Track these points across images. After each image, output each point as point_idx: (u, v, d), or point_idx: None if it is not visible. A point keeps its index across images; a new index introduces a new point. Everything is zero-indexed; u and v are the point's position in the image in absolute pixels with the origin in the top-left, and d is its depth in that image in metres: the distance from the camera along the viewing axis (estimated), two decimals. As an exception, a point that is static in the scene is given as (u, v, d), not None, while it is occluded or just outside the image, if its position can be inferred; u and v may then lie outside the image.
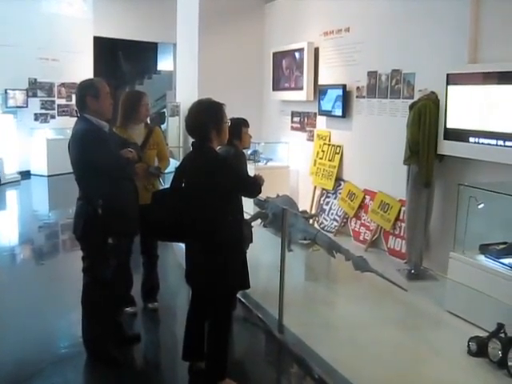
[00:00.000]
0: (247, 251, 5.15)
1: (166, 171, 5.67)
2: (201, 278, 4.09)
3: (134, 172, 4.66)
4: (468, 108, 5.86)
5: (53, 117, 14.89)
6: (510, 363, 4.25)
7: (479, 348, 4.52)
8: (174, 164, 5.52)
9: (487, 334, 4.55)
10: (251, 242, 5.54)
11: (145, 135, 5.43)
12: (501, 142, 5.48)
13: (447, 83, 6.05)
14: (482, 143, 5.69)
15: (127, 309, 5.45)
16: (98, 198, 4.28)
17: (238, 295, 5.61)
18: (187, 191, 4.05)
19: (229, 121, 4.24)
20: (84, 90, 4.42)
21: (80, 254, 4.56)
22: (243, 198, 4.51)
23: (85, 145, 4.25)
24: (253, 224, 6.37)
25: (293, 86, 9.70)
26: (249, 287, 4.72)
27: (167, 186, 4.47)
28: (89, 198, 4.34)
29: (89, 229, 4.34)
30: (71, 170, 4.44)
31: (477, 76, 5.77)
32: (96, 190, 4.32)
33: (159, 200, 4.18)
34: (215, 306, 4.11)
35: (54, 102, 14.90)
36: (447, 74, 6.05)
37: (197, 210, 3.94)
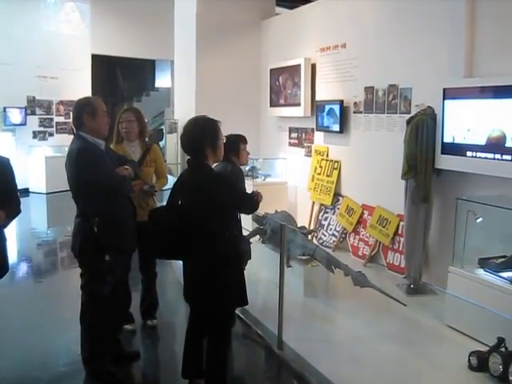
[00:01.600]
0: (246, 268, 5.14)
1: (164, 188, 5.67)
2: (199, 296, 4.08)
3: (131, 189, 4.66)
4: (465, 122, 5.88)
5: (51, 134, 14.91)
6: (511, 377, 4.23)
7: (480, 362, 4.51)
8: (172, 181, 5.53)
9: (488, 348, 4.54)
10: (250, 258, 5.53)
11: (142, 152, 5.43)
12: (498, 156, 5.49)
13: (444, 98, 6.07)
14: (479, 157, 5.70)
15: (126, 326, 5.43)
16: (95, 216, 4.29)
17: (237, 311, 5.59)
18: (184, 208, 4.04)
19: (224, 138, 4.26)
20: (81, 108, 4.43)
21: (78, 270, 4.56)
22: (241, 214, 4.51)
23: (81, 163, 4.26)
24: (251, 240, 6.37)
25: (290, 102, 9.74)
26: (247, 304, 4.71)
27: (163, 203, 4.47)
28: (86, 216, 4.34)
29: (86, 246, 4.34)
30: (69, 188, 4.44)
31: (473, 90, 5.80)
32: (92, 207, 4.33)
33: (156, 217, 4.18)
34: (214, 323, 4.10)
35: (52, 119, 14.94)
36: (444, 89, 6.07)
37: (193, 227, 3.93)
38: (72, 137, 4.55)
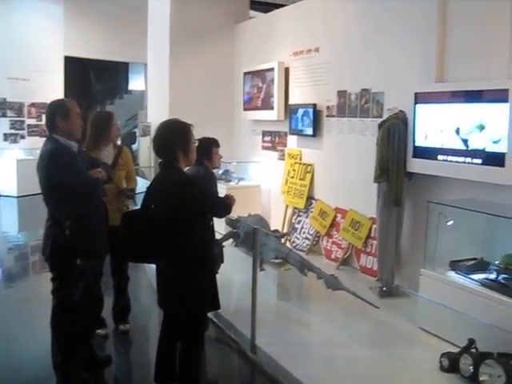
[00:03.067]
0: (219, 271, 5.14)
1: (138, 191, 5.65)
2: (171, 300, 4.08)
3: (104, 193, 4.63)
4: (436, 126, 5.94)
5: (23, 137, 14.73)
6: (481, 378, 4.29)
7: (451, 364, 4.56)
8: (145, 184, 5.50)
9: (459, 349, 4.60)
10: (222, 262, 5.52)
11: (114, 156, 5.41)
12: (468, 160, 5.56)
13: (415, 102, 6.13)
14: (450, 161, 5.77)
15: (98, 331, 5.39)
16: (66, 219, 4.25)
17: (210, 315, 5.58)
18: (156, 212, 4.02)
19: (196, 141, 4.26)
20: (54, 110, 4.40)
21: (50, 275, 4.51)
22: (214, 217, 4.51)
23: (52, 165, 4.22)
24: (224, 244, 6.36)
25: (263, 105, 9.75)
26: (219, 308, 4.70)
27: (138, 206, 4.45)
28: (56, 219, 4.30)
29: (56, 250, 4.30)
30: (41, 191, 4.40)
31: (444, 95, 5.86)
32: (63, 210, 4.29)
33: (129, 221, 4.16)
34: (186, 327, 4.09)
35: (23, 122, 14.76)
36: (415, 93, 6.14)
37: (166, 231, 3.92)
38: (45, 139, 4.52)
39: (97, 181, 4.46)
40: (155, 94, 11.90)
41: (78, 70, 16.82)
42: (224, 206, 4.24)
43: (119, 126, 5.56)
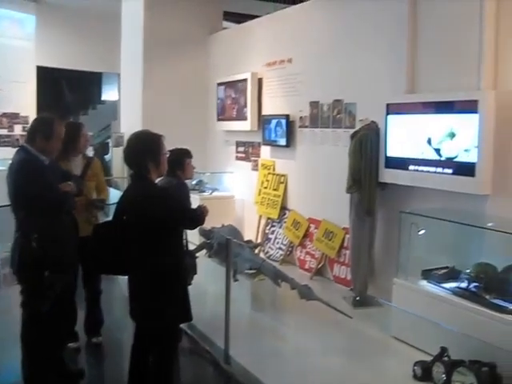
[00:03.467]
0: (192, 282, 5.12)
1: (110, 202, 5.61)
2: (142, 312, 4.05)
3: (73, 206, 4.59)
4: (407, 136, 6.00)
5: (-7, 148, 14.55)
6: (453, 386, 4.32)
7: (424, 372, 4.59)
8: (118, 195, 5.47)
9: (431, 358, 4.63)
10: (195, 273, 5.50)
11: (83, 167, 5.36)
12: (439, 170, 5.62)
13: (387, 113, 6.20)
14: (422, 171, 5.83)
15: (70, 344, 5.32)
16: (33, 231, 4.20)
17: (184, 327, 5.54)
18: (128, 223, 4.00)
19: (168, 152, 4.25)
20: (37, 127, 4.38)
21: (19, 288, 4.45)
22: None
23: (22, 176, 4.18)
24: (198, 254, 6.34)
25: (237, 116, 9.76)
26: (191, 319, 4.67)
27: (109, 218, 4.43)
28: (24, 231, 4.25)
29: (24, 262, 4.24)
30: (9, 202, 4.34)
31: (415, 105, 5.93)
32: (31, 222, 4.23)
33: (100, 233, 4.14)
34: (158, 340, 4.06)
35: (-6, 132, 14.58)
36: (387, 104, 6.20)
37: (137, 243, 3.91)
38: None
39: (66, 194, 4.41)
40: (128, 105, 11.84)
41: (50, 80, 16.68)
42: (196, 217, 4.22)
43: (88, 136, 5.52)
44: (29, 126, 4.51)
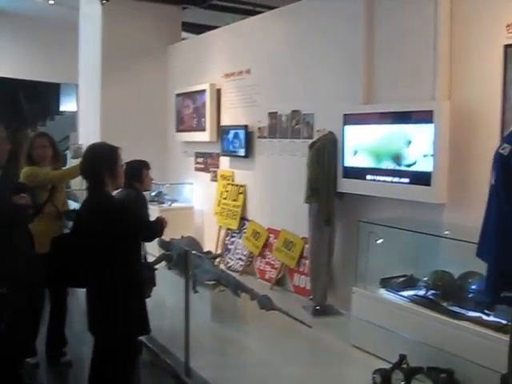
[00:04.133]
0: (151, 295, 5.08)
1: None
2: (99, 324, 4.00)
3: (30, 219, 4.51)
4: (364, 146, 6.07)
5: None
6: (412, 394, 4.36)
7: (383, 380, 4.61)
8: (77, 207, 5.41)
9: (391, 365, 4.66)
10: (154, 285, 5.47)
11: None
12: (396, 179, 5.70)
13: (344, 123, 6.26)
14: (379, 180, 5.90)
15: (28, 360, 5.23)
16: None
17: (144, 340, 5.48)
18: (84, 235, 3.96)
19: (124, 164, 4.23)
20: None
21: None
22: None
23: None
24: (157, 266, 6.30)
25: (196, 126, 9.75)
26: (149, 332, 4.61)
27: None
28: None
29: None
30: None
31: (371, 116, 6.01)
32: None
33: (58, 245, 4.10)
34: (116, 353, 4.01)
35: None
36: (344, 115, 6.26)
37: (93, 256, 3.88)
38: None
39: (21, 207, 4.32)
40: (87, 116, 11.73)
41: (6, 91, 16.44)
42: (153, 229, 4.20)
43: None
44: None
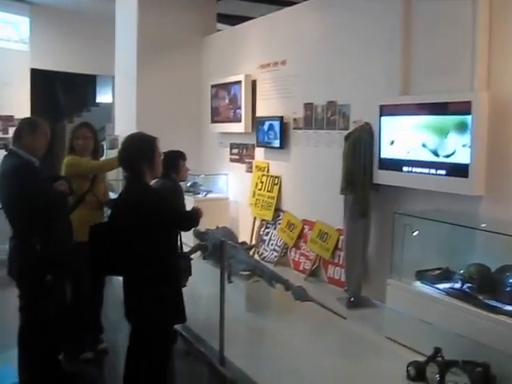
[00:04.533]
0: (187, 284, 5.12)
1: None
2: (136, 313, 4.06)
3: (68, 205, 4.59)
4: (401, 138, 6.02)
5: (-13, 150, 14.49)
6: (447, 386, 4.34)
7: (418, 372, 4.60)
8: (113, 197, 5.47)
9: (425, 358, 4.64)
10: (190, 274, 5.50)
11: None
12: (433, 171, 5.65)
13: (380, 114, 6.22)
14: (415, 172, 5.85)
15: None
16: (35, 235, 4.20)
17: (179, 329, 5.55)
18: (121, 225, 4.00)
19: (162, 154, 4.25)
20: (23, 124, 4.42)
21: (16, 292, 4.45)
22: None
23: (17, 181, 4.18)
24: (192, 256, 6.35)
25: (231, 117, 9.77)
26: (185, 321, 4.65)
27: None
28: (24, 236, 4.25)
29: (27, 268, 4.24)
30: (3, 208, 4.33)
31: (408, 107, 5.95)
32: (32, 226, 4.23)
33: (96, 233, 4.15)
34: (152, 341, 4.07)
35: (-12, 135, 14.52)
36: (380, 106, 6.22)
37: (130, 245, 3.92)
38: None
39: (63, 193, 4.42)
40: (122, 107, 11.84)
41: (44, 83, 16.64)
42: (189, 219, 4.24)
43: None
44: (15, 128, 4.51)
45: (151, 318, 3.99)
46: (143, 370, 4.11)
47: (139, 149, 4.01)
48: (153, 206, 3.92)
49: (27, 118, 4.53)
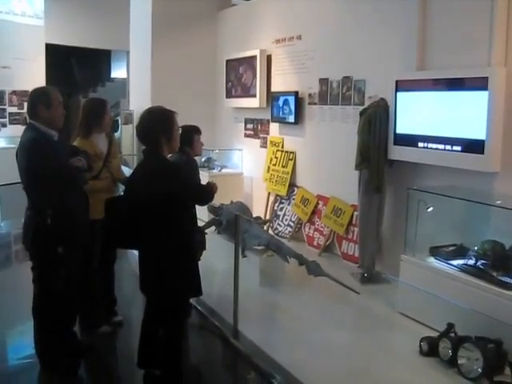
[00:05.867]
0: (201, 258, 5.16)
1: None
2: (152, 286, 4.10)
3: (84, 181, 4.61)
4: (416, 113, 5.99)
5: (4, 125, 14.57)
6: (459, 362, 4.36)
7: (430, 348, 4.63)
8: (128, 172, 5.47)
9: (438, 333, 4.67)
10: (204, 249, 5.55)
11: (108, 145, 5.26)
12: (448, 147, 5.62)
13: (396, 90, 6.17)
14: (431, 148, 5.82)
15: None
16: (47, 208, 4.23)
17: (193, 302, 5.60)
18: (138, 198, 4.01)
19: (180, 128, 4.25)
20: (36, 98, 4.37)
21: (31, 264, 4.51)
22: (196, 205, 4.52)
23: (33, 154, 4.20)
24: (207, 231, 6.39)
25: (246, 93, 9.76)
26: (201, 294, 4.68)
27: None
28: (38, 208, 4.29)
29: (38, 239, 4.29)
30: (21, 180, 4.37)
31: (425, 82, 5.90)
32: (45, 199, 4.26)
33: (112, 207, 4.19)
34: (168, 314, 4.11)
35: (5, 110, 14.59)
36: (396, 81, 6.17)
37: (147, 218, 3.95)
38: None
39: (78, 169, 4.44)
40: (137, 82, 11.85)
41: (59, 58, 16.68)
42: (206, 193, 4.24)
43: (111, 114, 5.43)
44: (27, 102, 4.50)
45: (168, 291, 4.02)
46: (159, 343, 4.17)
47: (158, 123, 4.01)
48: (171, 178, 3.93)
49: (37, 90, 4.46)
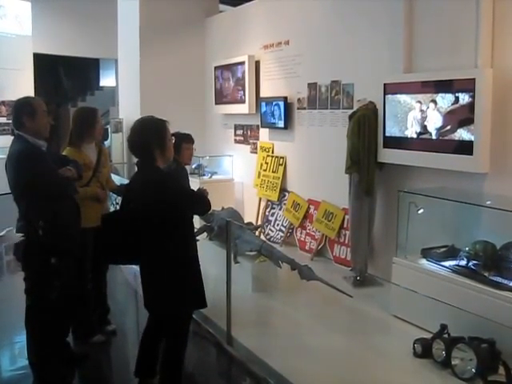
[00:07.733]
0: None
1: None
2: (156, 299, 4.03)
3: (75, 191, 4.58)
4: (405, 116, 6.01)
5: (-8, 136, 14.51)
6: (453, 362, 4.38)
7: (424, 349, 4.64)
8: (119, 180, 5.45)
9: (431, 335, 4.69)
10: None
11: (97, 154, 5.20)
12: (437, 149, 5.63)
13: (384, 93, 6.20)
14: (420, 150, 5.83)
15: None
16: (39, 219, 4.21)
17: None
18: (136, 212, 3.93)
19: (173, 138, 4.15)
20: (20, 109, 4.35)
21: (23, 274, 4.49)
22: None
23: (23, 165, 4.17)
24: (198, 237, 6.38)
25: (235, 99, 9.76)
26: (205, 306, 4.55)
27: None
28: (29, 219, 4.27)
29: (30, 250, 4.27)
30: (11, 191, 4.35)
31: (412, 85, 5.93)
32: (36, 210, 4.24)
33: (109, 223, 4.14)
34: (172, 326, 4.08)
35: (-7, 120, 14.54)
36: (384, 84, 6.20)
37: (147, 231, 3.88)
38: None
39: (68, 179, 4.42)
40: (126, 90, 11.83)
41: (47, 67, 16.65)
42: (205, 203, 4.11)
43: (102, 123, 5.38)
44: (12, 114, 4.45)
45: (172, 304, 3.96)
46: (159, 353, 4.13)
47: (150, 133, 3.88)
48: (169, 191, 3.83)
49: (20, 101, 4.42)
